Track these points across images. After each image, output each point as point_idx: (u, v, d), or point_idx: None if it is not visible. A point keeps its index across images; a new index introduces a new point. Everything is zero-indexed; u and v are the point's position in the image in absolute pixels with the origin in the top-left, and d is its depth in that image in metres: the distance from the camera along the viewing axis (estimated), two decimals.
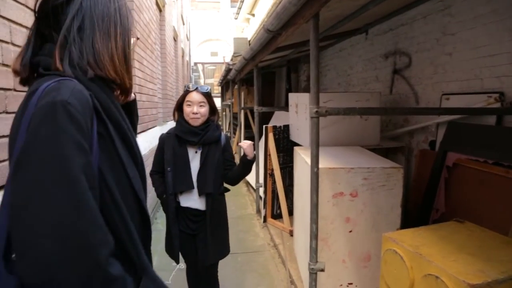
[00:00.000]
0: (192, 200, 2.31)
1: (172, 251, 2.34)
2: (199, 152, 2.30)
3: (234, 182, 2.50)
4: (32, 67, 0.87)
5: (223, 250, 2.48)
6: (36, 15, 0.90)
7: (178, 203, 2.31)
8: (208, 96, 2.30)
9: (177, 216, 2.31)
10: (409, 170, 3.95)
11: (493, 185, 2.63)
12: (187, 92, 2.28)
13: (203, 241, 2.33)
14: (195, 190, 2.28)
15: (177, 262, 2.39)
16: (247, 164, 2.37)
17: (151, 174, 2.38)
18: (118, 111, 0.93)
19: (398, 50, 4.25)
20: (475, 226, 2.05)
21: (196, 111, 2.23)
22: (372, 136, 3.74)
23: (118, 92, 0.99)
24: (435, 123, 3.52)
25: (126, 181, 0.91)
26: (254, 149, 2.43)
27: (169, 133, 2.33)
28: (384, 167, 2.61)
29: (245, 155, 2.34)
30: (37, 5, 0.89)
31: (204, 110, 2.27)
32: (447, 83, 3.43)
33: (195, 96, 2.25)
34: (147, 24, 4.97)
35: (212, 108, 2.33)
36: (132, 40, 1.04)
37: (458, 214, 2.46)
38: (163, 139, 2.34)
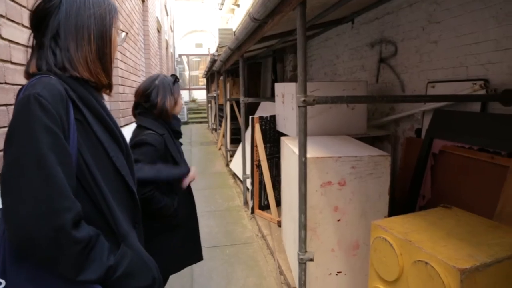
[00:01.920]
0: None
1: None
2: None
3: None
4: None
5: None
6: (30, 26, 1.07)
7: None
8: None
9: None
10: (395, 158, 3.98)
11: (479, 171, 2.66)
12: (178, 83, 2.13)
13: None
14: None
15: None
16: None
17: (153, 194, 1.84)
18: (98, 103, 1.08)
19: (384, 39, 4.25)
20: (463, 211, 2.06)
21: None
22: (359, 125, 3.74)
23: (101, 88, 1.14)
24: (421, 111, 3.53)
25: (107, 159, 1.06)
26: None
27: (162, 133, 1.95)
28: (372, 155, 2.61)
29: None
30: (30, 17, 1.06)
31: None
32: (433, 71, 3.44)
33: None
34: (129, 14, 4.86)
35: None
36: (123, 35, 1.20)
37: (444, 200, 2.48)
38: (162, 141, 1.92)
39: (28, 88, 0.94)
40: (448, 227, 1.85)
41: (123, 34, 1.21)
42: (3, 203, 0.88)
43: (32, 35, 1.07)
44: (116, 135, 1.13)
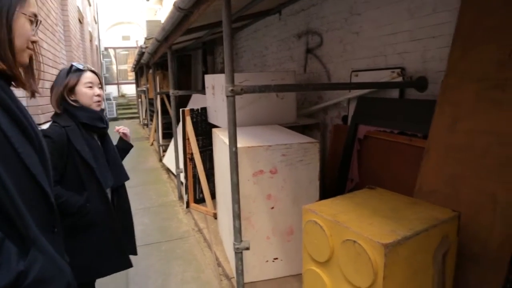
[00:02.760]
0: None
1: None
2: (97, 139, 1.99)
3: None
4: None
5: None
6: None
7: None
8: (99, 78, 2.01)
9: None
10: (324, 145, 4.12)
11: (399, 153, 2.84)
12: (80, 71, 1.89)
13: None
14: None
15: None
16: (127, 151, 2.25)
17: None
18: (5, 93, 0.99)
19: (310, 30, 4.36)
20: (386, 191, 2.19)
21: (99, 92, 1.93)
22: (289, 114, 3.82)
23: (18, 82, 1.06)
24: (347, 99, 3.69)
25: (15, 155, 0.96)
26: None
27: (66, 125, 1.81)
28: (301, 142, 2.68)
29: (123, 141, 2.21)
30: None
31: (102, 93, 1.99)
32: (356, 60, 3.61)
33: (94, 77, 1.93)
34: (45, 2, 4.50)
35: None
36: (33, 24, 1.09)
37: (370, 182, 2.61)
38: (63, 133, 1.77)
39: None
40: (373, 206, 1.95)
41: (36, 21, 1.11)
42: None
43: None
44: (28, 130, 1.03)
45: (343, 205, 2.00)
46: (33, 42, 1.10)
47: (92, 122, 1.89)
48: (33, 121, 1.08)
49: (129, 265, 2.00)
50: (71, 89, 1.87)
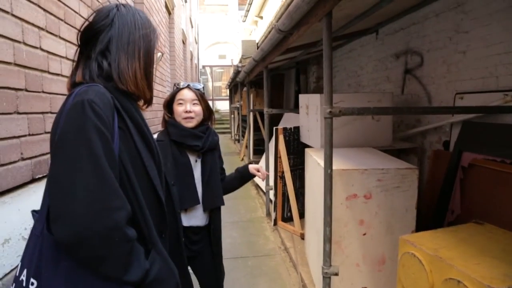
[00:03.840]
0: (195, 217, 1.97)
1: None
2: (199, 160, 1.98)
3: (224, 193, 2.18)
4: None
5: (223, 269, 2.16)
6: (79, 42, 1.13)
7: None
8: (202, 95, 2.00)
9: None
10: (422, 171, 3.88)
11: (511, 185, 2.56)
12: (177, 89, 1.98)
13: (206, 263, 2.04)
14: (200, 205, 1.97)
15: None
16: (246, 180, 2.25)
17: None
18: (138, 114, 1.14)
19: (409, 50, 4.19)
20: (496, 228, 1.98)
21: (189, 109, 1.92)
22: (384, 137, 3.68)
23: (142, 101, 1.19)
24: (449, 123, 3.45)
25: (142, 167, 1.09)
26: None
27: (159, 140, 1.91)
28: (399, 168, 2.56)
29: (247, 170, 2.21)
30: (80, 34, 1.13)
31: (198, 109, 1.95)
32: (461, 82, 3.36)
33: (187, 94, 1.94)
34: (157, 27, 4.96)
35: (208, 110, 2.03)
36: (158, 54, 1.27)
37: (474, 216, 2.40)
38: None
39: (79, 94, 0.97)
40: (480, 244, 1.78)
41: (159, 54, 1.29)
42: (52, 202, 0.89)
43: (79, 49, 1.14)
44: (152, 146, 1.17)
45: (445, 239, 1.86)
46: None
47: (181, 139, 1.89)
48: (151, 134, 1.19)
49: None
50: (168, 107, 1.99)
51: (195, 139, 1.91)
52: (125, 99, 1.10)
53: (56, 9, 1.91)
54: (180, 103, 1.94)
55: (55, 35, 1.89)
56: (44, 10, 1.77)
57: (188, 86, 1.98)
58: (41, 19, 1.73)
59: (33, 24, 1.66)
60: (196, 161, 1.97)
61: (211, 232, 2.02)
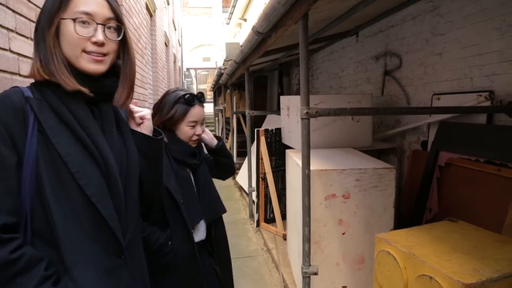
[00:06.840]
0: (199, 232, 1.79)
1: None
2: (190, 172, 1.79)
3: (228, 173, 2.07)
4: None
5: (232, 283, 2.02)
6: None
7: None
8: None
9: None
10: (401, 171, 3.94)
11: (485, 183, 2.62)
12: (189, 106, 1.69)
13: (211, 274, 1.84)
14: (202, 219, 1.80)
15: None
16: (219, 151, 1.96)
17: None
18: (71, 111, 0.97)
19: (388, 52, 4.25)
20: (469, 225, 2.03)
21: (200, 132, 1.75)
22: (364, 138, 3.72)
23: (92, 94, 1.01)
24: (427, 124, 3.51)
25: (69, 176, 0.93)
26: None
27: None
28: (376, 167, 2.59)
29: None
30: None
31: (204, 128, 1.79)
32: (438, 83, 3.43)
33: (199, 113, 1.72)
34: (137, 29, 4.93)
35: None
36: (88, 23, 0.99)
37: (451, 214, 2.44)
38: None
39: None
40: (453, 241, 1.81)
41: (99, 26, 0.99)
42: None
43: None
44: (90, 148, 0.97)
45: (420, 236, 1.89)
46: (95, 43, 0.99)
47: (182, 158, 1.71)
48: (103, 139, 1.02)
49: None
50: (174, 123, 1.70)
51: (194, 157, 1.76)
52: (53, 94, 0.97)
53: (26, 10, 1.88)
54: (192, 126, 1.71)
55: (26, 37, 1.86)
56: (13, 11, 1.74)
57: (200, 101, 1.73)
58: (10, 20, 1.71)
59: (1, 26, 1.63)
60: (190, 173, 1.80)
61: (212, 243, 1.85)
